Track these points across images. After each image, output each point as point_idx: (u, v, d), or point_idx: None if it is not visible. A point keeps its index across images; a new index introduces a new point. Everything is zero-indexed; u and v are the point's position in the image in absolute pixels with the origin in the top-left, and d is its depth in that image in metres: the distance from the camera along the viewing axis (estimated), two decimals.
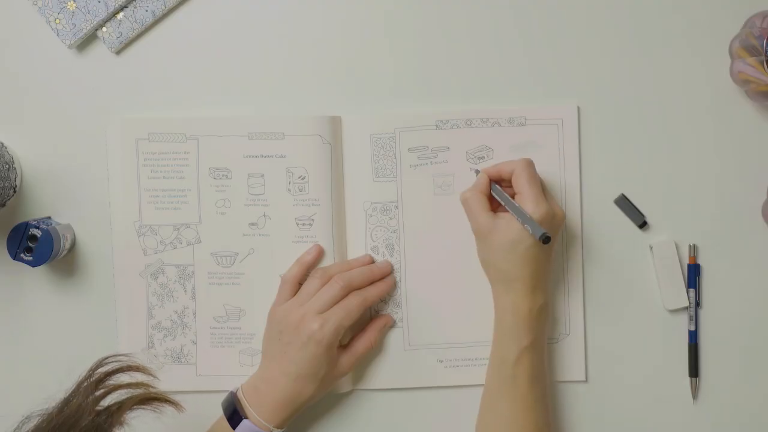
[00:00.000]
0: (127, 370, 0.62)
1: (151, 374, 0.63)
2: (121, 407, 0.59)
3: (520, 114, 0.78)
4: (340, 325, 0.72)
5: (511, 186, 0.73)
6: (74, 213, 0.79)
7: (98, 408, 0.58)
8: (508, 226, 0.70)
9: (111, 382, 0.61)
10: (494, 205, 0.74)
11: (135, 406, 0.60)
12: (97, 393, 0.59)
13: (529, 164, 0.72)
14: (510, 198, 0.72)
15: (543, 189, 0.72)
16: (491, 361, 0.74)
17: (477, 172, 0.76)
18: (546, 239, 0.67)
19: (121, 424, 0.58)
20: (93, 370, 0.61)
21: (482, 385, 0.76)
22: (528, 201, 0.70)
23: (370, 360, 0.79)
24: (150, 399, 0.62)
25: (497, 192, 0.73)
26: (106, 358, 0.62)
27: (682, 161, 0.79)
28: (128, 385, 0.61)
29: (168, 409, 0.63)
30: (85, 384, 0.59)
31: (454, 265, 0.78)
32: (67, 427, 0.55)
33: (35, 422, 0.56)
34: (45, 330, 0.79)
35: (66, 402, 0.58)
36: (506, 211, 0.72)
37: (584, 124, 0.78)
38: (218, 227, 0.78)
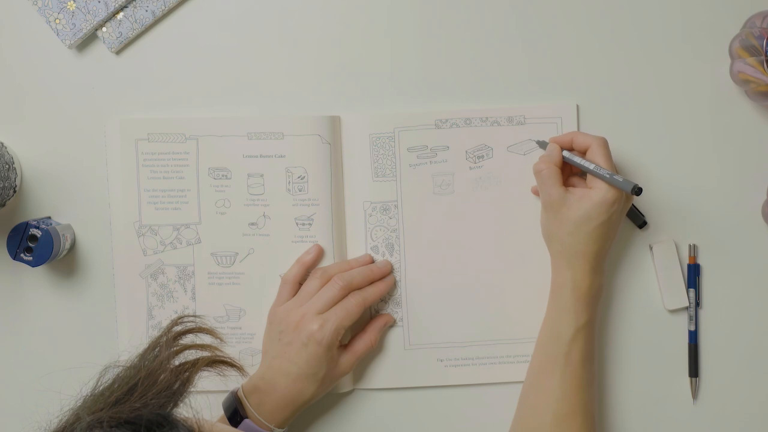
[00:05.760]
0: (198, 332, 0.63)
1: (219, 338, 0.64)
2: (195, 365, 0.59)
3: (519, 113, 0.78)
4: (340, 325, 0.72)
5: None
6: (74, 213, 0.79)
7: (170, 366, 0.58)
8: (579, 202, 0.70)
9: (182, 342, 0.61)
10: (564, 180, 0.73)
11: (204, 368, 0.60)
12: (172, 349, 0.59)
13: (606, 143, 0.72)
14: (586, 161, 0.71)
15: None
16: (542, 338, 0.73)
17: (540, 143, 0.76)
18: (638, 191, 0.67)
19: (192, 383, 0.58)
20: (170, 327, 0.61)
21: (482, 384, 0.75)
22: None
23: (370, 360, 0.79)
24: (217, 362, 0.62)
25: (572, 158, 0.73)
26: (182, 317, 0.63)
27: (682, 161, 0.79)
28: (198, 346, 0.61)
29: (231, 372, 0.64)
30: (165, 339, 0.60)
31: (453, 265, 0.78)
32: (152, 380, 0.54)
33: (117, 372, 0.55)
34: (45, 330, 0.79)
35: (149, 351, 0.58)
36: (577, 186, 0.72)
37: (583, 122, 0.78)
38: (218, 227, 0.78)
